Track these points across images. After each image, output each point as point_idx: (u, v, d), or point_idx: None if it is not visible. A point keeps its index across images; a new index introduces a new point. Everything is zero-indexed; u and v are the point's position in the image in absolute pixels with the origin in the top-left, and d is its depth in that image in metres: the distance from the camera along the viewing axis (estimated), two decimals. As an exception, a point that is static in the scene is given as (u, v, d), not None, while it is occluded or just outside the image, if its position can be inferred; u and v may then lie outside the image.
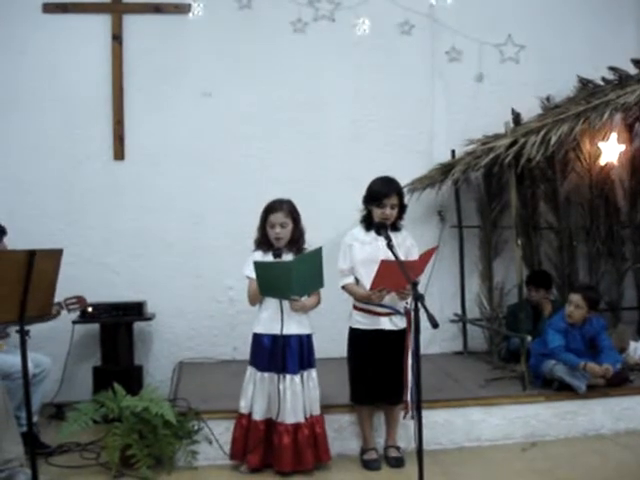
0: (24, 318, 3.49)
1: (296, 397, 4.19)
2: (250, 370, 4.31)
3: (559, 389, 4.92)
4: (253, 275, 4.07)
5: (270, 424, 4.24)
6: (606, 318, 5.99)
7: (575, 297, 5.04)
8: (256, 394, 4.25)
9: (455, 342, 6.42)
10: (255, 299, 4.28)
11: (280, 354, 4.18)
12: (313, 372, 4.32)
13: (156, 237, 6.01)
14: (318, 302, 4.34)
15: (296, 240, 4.29)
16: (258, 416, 4.24)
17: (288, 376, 4.19)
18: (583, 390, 4.83)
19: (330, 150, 6.20)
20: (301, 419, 4.21)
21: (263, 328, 4.28)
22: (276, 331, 4.17)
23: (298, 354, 4.23)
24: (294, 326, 4.22)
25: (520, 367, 5.09)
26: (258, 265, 4.03)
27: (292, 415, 4.18)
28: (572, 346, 4.98)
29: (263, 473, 4.24)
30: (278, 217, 4.22)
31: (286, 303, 4.14)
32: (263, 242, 4.31)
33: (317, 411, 4.32)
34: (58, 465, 4.38)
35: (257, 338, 4.31)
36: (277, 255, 4.23)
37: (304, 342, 4.28)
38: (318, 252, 4.02)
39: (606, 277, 6.47)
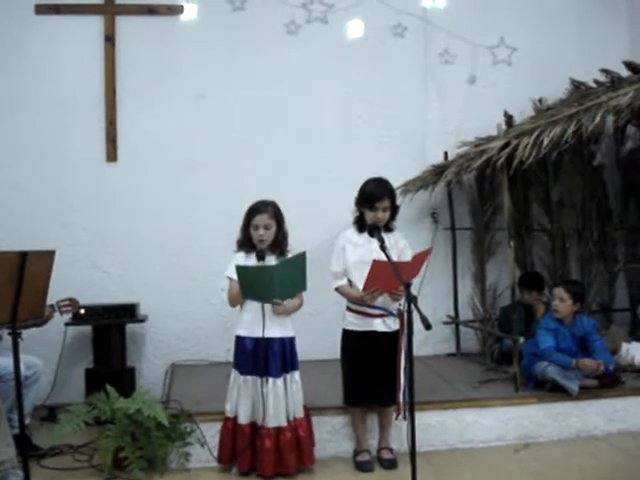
0: (16, 320, 3.48)
1: (278, 400, 4.17)
2: (234, 374, 4.30)
3: (552, 390, 4.93)
4: (234, 276, 4.06)
5: (255, 428, 4.23)
6: (598, 320, 6.00)
7: (557, 290, 5.11)
8: (240, 398, 4.23)
9: (448, 344, 6.43)
10: (236, 301, 4.26)
11: (263, 357, 4.17)
12: (296, 375, 4.30)
13: (148, 239, 6.00)
14: (300, 304, 4.31)
15: (279, 242, 4.28)
16: (243, 420, 4.22)
17: (271, 379, 4.17)
18: (576, 391, 4.84)
19: (323, 151, 6.20)
20: (283, 422, 4.19)
21: (245, 331, 4.26)
22: (258, 334, 4.15)
23: (281, 357, 4.21)
24: (276, 329, 4.20)
25: (512, 369, 5.10)
26: (240, 269, 4.02)
27: (274, 418, 4.16)
28: (563, 345, 5.00)
29: (252, 476, 4.23)
30: (262, 219, 4.21)
31: (268, 306, 4.13)
32: (246, 243, 4.29)
33: (300, 414, 4.30)
34: (50, 467, 4.37)
35: (239, 341, 4.29)
36: (260, 257, 4.20)
37: (287, 345, 4.26)
38: (301, 256, 4.01)
39: (598, 279, 6.48)
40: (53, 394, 5.50)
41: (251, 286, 4.04)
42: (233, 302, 4.30)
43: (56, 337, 5.50)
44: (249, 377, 4.21)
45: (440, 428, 4.77)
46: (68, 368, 5.72)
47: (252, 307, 4.21)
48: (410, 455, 3.46)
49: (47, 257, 3.68)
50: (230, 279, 4.21)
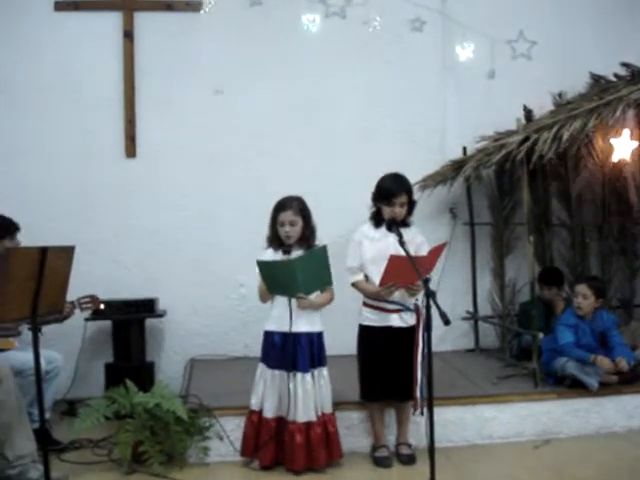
0: (36, 315, 3.51)
1: (307, 395, 4.19)
2: (261, 367, 4.32)
3: (571, 386, 4.90)
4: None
5: (281, 422, 4.24)
6: (618, 315, 5.96)
7: (580, 287, 5.09)
8: (267, 391, 4.25)
9: (467, 339, 6.41)
10: (265, 296, 4.29)
11: (290, 352, 4.18)
12: (324, 370, 4.31)
13: (168, 234, 6.03)
14: (331, 299, 4.33)
15: (307, 237, 4.28)
16: (269, 413, 4.24)
17: (299, 374, 4.18)
18: (595, 387, 4.81)
19: (341, 147, 6.19)
20: (313, 417, 4.21)
21: (274, 325, 4.29)
22: (286, 328, 4.18)
23: (309, 352, 4.23)
24: (304, 324, 4.21)
25: (532, 364, 5.07)
26: (261, 264, 4.05)
27: (304, 413, 4.18)
28: (583, 341, 4.98)
29: (274, 471, 4.25)
30: (287, 215, 4.22)
31: (294, 301, 4.14)
32: (274, 240, 4.31)
33: (329, 409, 4.32)
34: (70, 461, 4.40)
35: (268, 335, 4.32)
36: (287, 252, 4.23)
37: (314, 340, 4.27)
38: (322, 250, 4.03)
39: (618, 274, 6.44)
40: (73, 389, 5.53)
41: (274, 280, 4.08)
42: (263, 298, 4.33)
43: (76, 332, 5.53)
44: (277, 371, 4.23)
45: (459, 424, 4.76)
46: (88, 363, 5.76)
47: (280, 302, 4.24)
48: (429, 451, 3.47)
49: (67, 253, 3.70)
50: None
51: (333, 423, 4.33)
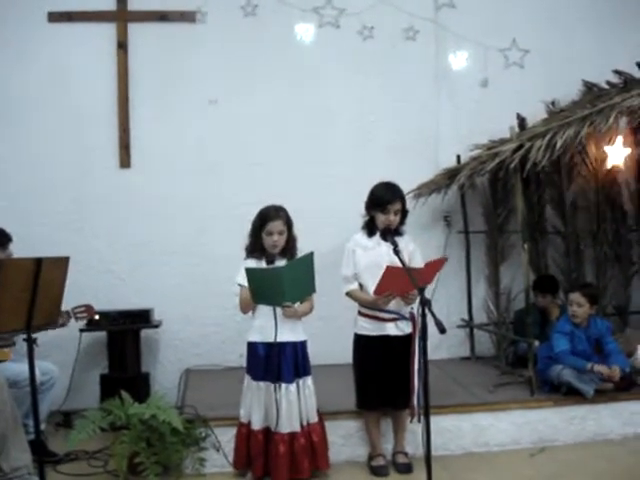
0: (31, 326, 3.50)
1: (291, 406, 4.17)
2: (247, 379, 4.30)
3: (567, 394, 4.90)
4: (245, 283, 4.04)
5: (268, 433, 4.22)
6: (613, 322, 5.97)
7: (574, 296, 5.10)
8: (253, 404, 4.23)
9: (462, 347, 6.41)
10: (247, 307, 4.24)
11: (275, 362, 4.17)
12: (309, 380, 4.29)
13: (163, 244, 6.02)
14: (311, 308, 4.30)
15: (290, 247, 4.27)
16: (257, 426, 4.22)
17: (283, 385, 4.16)
18: (591, 395, 4.81)
19: (335, 156, 6.20)
20: (297, 428, 4.19)
21: (257, 336, 4.25)
22: (270, 339, 4.15)
23: (293, 362, 4.20)
24: (288, 333, 4.19)
25: (528, 372, 5.08)
26: (250, 272, 4.00)
27: (288, 424, 4.16)
28: (578, 348, 5.00)
29: (265, 482, 4.25)
30: (277, 225, 4.20)
31: (279, 310, 4.11)
32: (256, 249, 4.28)
33: (314, 419, 4.29)
34: (66, 473, 4.39)
35: (252, 347, 4.28)
36: (271, 262, 4.21)
37: (299, 349, 4.25)
38: (309, 257, 3.99)
39: (613, 281, 6.45)
40: (68, 400, 5.52)
41: (261, 289, 4.02)
42: (245, 309, 4.29)
43: (71, 343, 5.52)
44: (262, 383, 4.21)
45: (455, 432, 4.75)
46: (83, 374, 5.74)
47: (263, 312, 4.20)
48: (425, 459, 3.47)
49: (62, 263, 3.71)
50: (241, 286, 4.18)
51: (318, 433, 4.30)
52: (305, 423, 4.24)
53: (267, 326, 4.16)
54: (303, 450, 4.19)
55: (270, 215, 4.22)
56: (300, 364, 4.24)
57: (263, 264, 4.23)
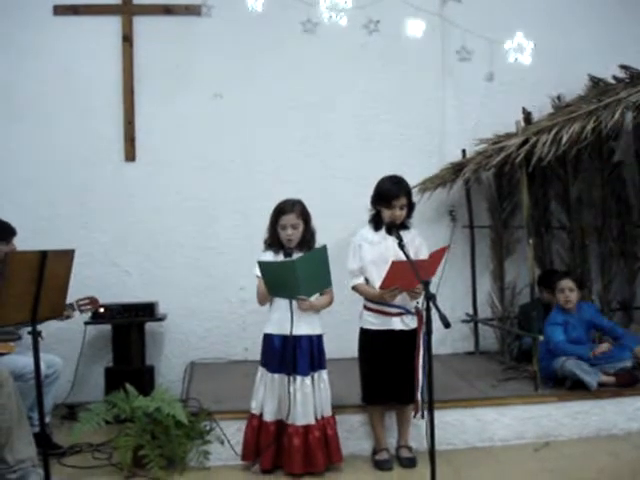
0: (36, 319, 3.51)
1: (306, 399, 4.17)
2: (261, 371, 4.31)
3: (571, 388, 4.90)
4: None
5: (281, 425, 4.23)
6: (618, 318, 5.97)
7: (566, 282, 5.28)
8: (267, 395, 4.24)
9: (467, 342, 6.41)
10: (264, 299, 4.27)
11: (291, 355, 4.17)
12: (324, 373, 4.30)
13: (167, 238, 6.03)
14: (330, 302, 4.32)
15: (307, 241, 4.27)
16: (269, 417, 4.23)
17: (299, 377, 4.17)
18: (594, 386, 4.82)
19: (341, 150, 6.20)
20: (312, 421, 4.20)
21: (273, 329, 4.27)
22: (286, 331, 4.16)
23: (309, 355, 4.21)
24: (304, 326, 4.20)
25: (532, 367, 5.07)
26: (263, 265, 4.03)
27: (302, 417, 4.17)
28: (573, 335, 5.11)
29: (274, 474, 4.24)
30: (290, 219, 4.21)
31: (295, 303, 4.13)
32: (274, 243, 4.30)
33: (328, 412, 4.31)
34: (70, 465, 4.40)
35: (267, 339, 4.30)
36: (288, 255, 4.21)
37: (314, 343, 4.26)
38: (322, 250, 4.01)
39: (618, 276, 6.43)
40: (73, 393, 5.53)
41: (275, 282, 4.05)
42: (262, 300, 4.30)
43: (76, 336, 5.53)
44: (276, 375, 4.22)
45: (459, 427, 4.76)
46: (88, 367, 5.76)
47: (280, 305, 4.22)
48: (429, 453, 3.47)
49: (67, 256, 3.71)
50: (259, 278, 4.19)
51: (332, 426, 4.32)
52: (320, 416, 4.25)
53: (283, 319, 4.17)
54: (318, 443, 4.20)
55: (284, 209, 4.24)
56: (316, 357, 4.25)
57: (281, 257, 4.24)
